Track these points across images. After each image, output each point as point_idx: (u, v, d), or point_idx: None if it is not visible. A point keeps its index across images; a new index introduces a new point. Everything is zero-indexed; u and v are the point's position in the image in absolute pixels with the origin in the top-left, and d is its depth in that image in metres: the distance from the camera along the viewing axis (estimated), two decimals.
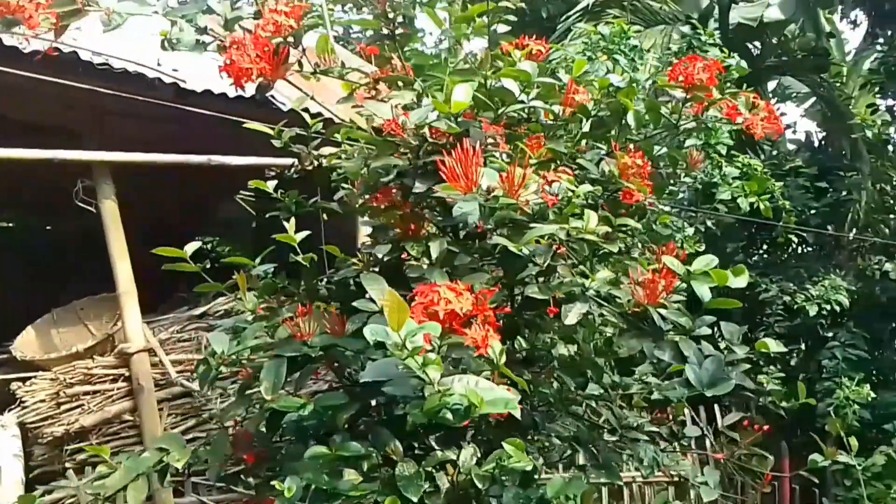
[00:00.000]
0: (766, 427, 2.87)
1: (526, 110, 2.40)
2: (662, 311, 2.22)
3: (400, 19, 2.58)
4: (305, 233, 2.79)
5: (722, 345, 2.41)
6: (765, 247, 7.04)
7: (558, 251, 2.18)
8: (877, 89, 9.30)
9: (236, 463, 2.67)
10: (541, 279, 2.43)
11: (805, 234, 7.21)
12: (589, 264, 2.39)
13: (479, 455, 2.51)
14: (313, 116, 5.26)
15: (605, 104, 2.47)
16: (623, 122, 2.59)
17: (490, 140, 2.36)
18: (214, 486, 4.73)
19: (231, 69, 2.32)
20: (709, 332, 2.28)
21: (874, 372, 7.31)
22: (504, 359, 1.88)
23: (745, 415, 2.39)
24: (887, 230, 7.86)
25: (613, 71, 4.96)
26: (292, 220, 2.98)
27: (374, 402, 2.63)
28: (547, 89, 2.39)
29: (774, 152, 8.57)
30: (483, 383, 1.80)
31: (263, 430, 2.67)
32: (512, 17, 2.74)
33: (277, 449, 2.73)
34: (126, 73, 4.47)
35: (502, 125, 2.26)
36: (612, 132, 2.64)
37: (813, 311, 6.84)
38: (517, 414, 1.67)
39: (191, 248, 2.87)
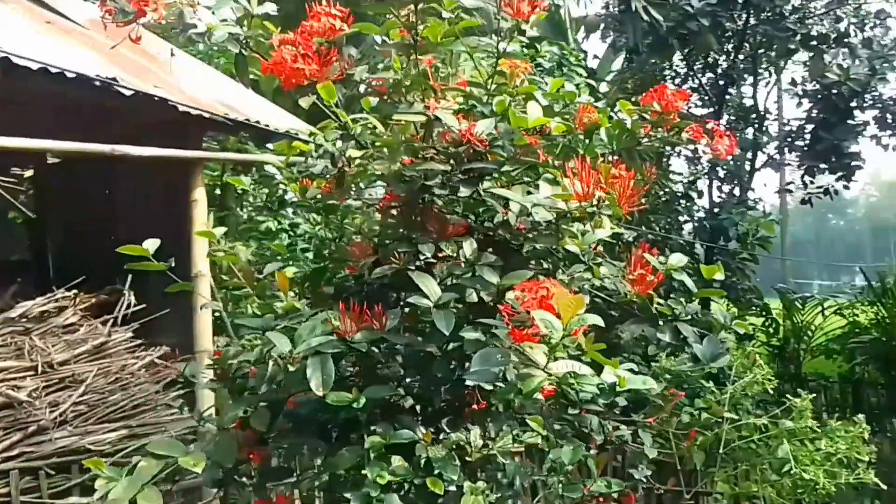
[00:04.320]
0: (681, 393, 3.44)
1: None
2: (660, 300, 2.65)
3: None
4: (156, 241, 2.66)
5: None
6: None
7: (595, 251, 2.50)
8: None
9: None
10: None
11: None
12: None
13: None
14: (163, 102, 4.95)
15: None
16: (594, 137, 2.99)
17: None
18: None
19: (281, 69, 2.33)
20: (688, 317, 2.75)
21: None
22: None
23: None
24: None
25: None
26: (212, 216, 2.99)
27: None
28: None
29: None
30: (582, 366, 2.08)
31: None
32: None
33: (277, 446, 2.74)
34: None
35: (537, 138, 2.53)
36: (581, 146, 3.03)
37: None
38: (658, 390, 1.96)
39: (151, 245, 2.74)
